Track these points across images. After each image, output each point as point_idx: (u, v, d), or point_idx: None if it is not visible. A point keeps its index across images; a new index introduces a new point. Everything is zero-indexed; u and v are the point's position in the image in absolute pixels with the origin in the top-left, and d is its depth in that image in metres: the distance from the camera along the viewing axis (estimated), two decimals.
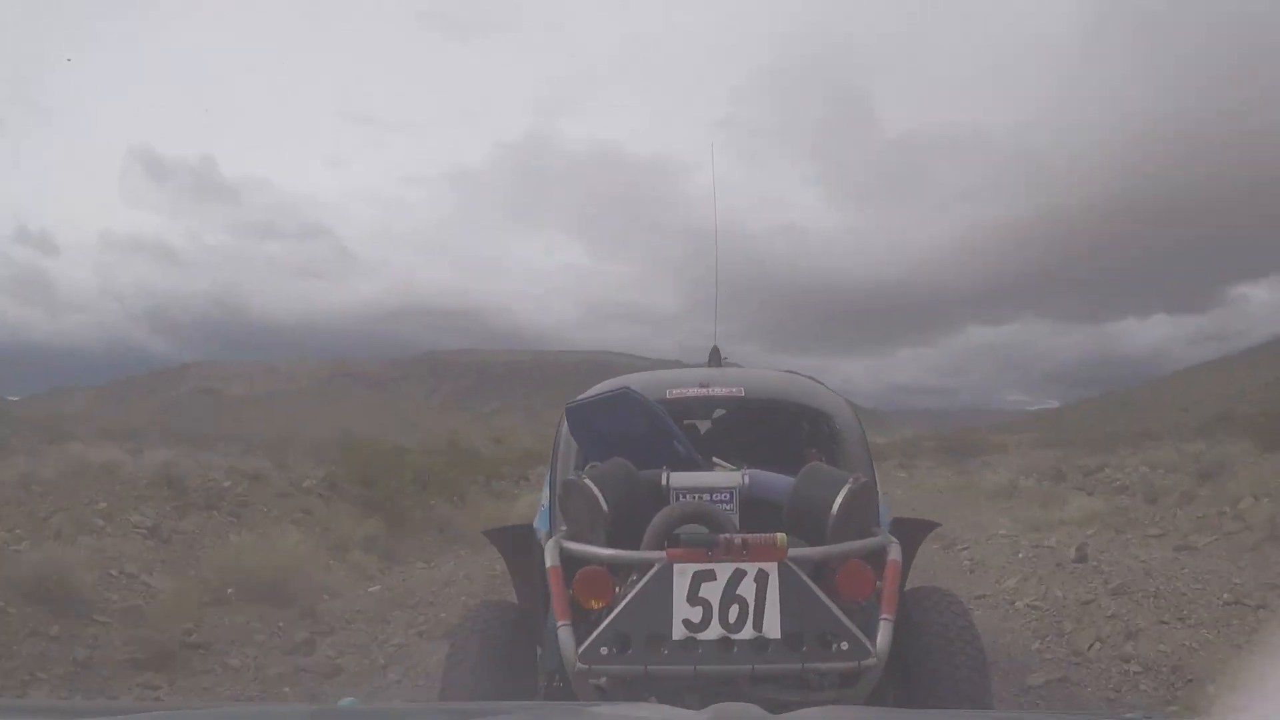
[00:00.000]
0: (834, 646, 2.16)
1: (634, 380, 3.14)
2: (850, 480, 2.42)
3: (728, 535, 2.26)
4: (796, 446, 3.23)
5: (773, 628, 2.15)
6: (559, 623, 2.22)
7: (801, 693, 2.26)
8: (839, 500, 2.35)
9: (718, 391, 3.21)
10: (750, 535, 2.26)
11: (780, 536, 2.24)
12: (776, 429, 3.42)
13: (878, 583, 2.30)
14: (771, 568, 2.19)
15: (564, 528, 2.55)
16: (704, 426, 3.73)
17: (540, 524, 3.06)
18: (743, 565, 2.19)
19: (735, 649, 2.15)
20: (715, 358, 3.66)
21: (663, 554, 2.24)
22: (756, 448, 3.16)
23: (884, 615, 2.23)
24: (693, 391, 3.19)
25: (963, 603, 2.70)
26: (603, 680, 2.22)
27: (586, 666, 2.16)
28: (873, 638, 2.19)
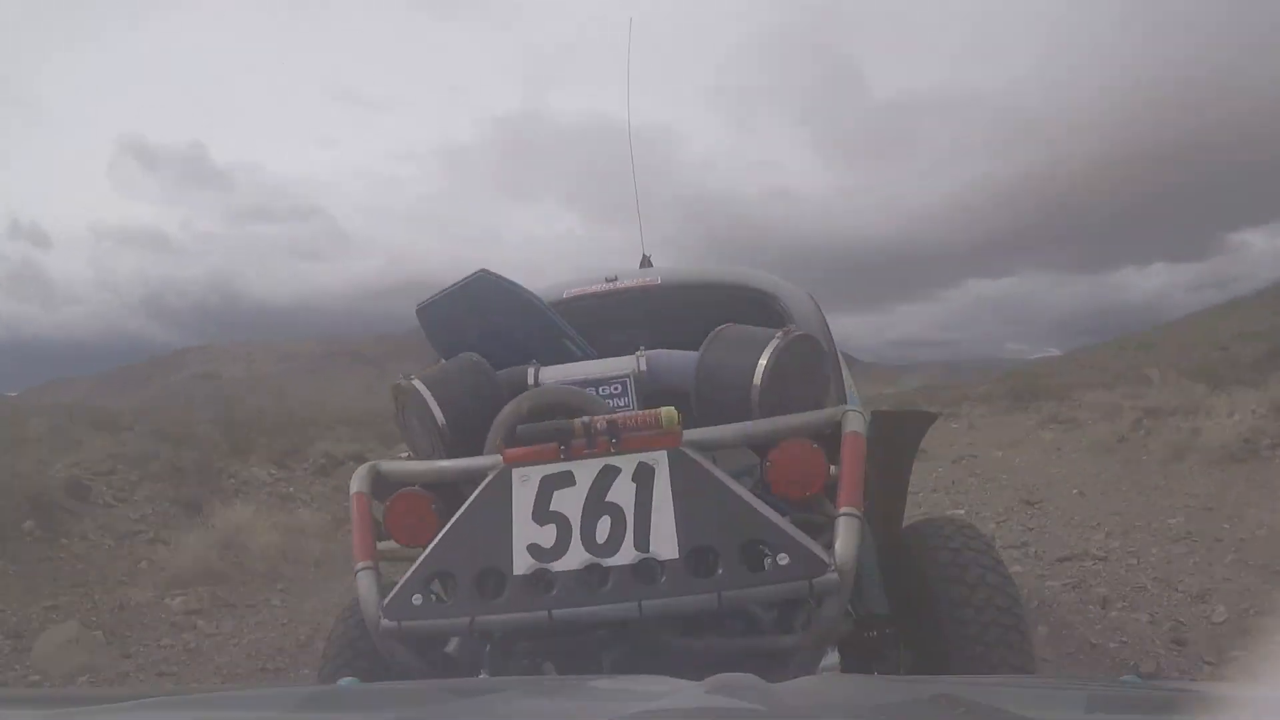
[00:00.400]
0: (769, 562, 1.39)
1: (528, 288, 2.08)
2: (778, 336, 1.60)
3: (587, 419, 1.47)
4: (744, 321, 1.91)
5: (666, 544, 1.38)
6: (357, 565, 1.55)
7: (741, 640, 1.46)
8: (764, 362, 1.55)
9: (628, 283, 2.42)
10: (621, 415, 1.48)
11: (667, 411, 1.45)
12: (713, 321, 1.90)
13: (833, 469, 1.50)
14: (659, 458, 1.42)
15: (411, 445, 1.82)
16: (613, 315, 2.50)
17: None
18: (614, 460, 1.43)
19: (610, 581, 1.39)
20: (645, 265, 2.98)
21: (497, 458, 1.51)
22: (681, 331, 1.98)
23: (844, 509, 1.43)
24: (595, 288, 2.41)
25: (986, 537, 1.98)
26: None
27: (394, 623, 1.46)
28: (830, 544, 1.41)
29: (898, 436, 2.18)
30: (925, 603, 1.84)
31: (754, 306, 2.31)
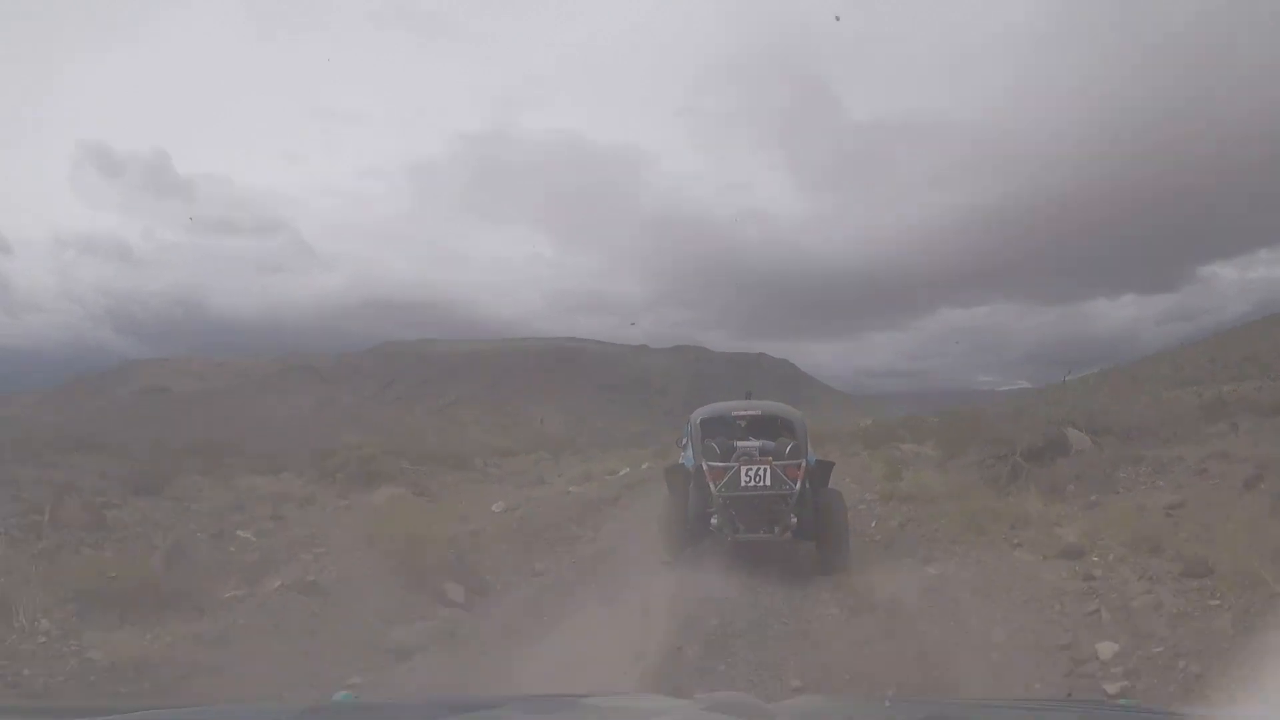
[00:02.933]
0: (784, 487, 7.43)
1: (721, 405, 8.68)
2: (790, 443, 7.92)
3: (757, 455, 7.77)
4: (782, 431, 8.42)
5: (767, 482, 7.40)
6: (710, 483, 7.50)
7: (780, 501, 7.49)
8: (787, 449, 7.81)
9: (750, 411, 8.62)
10: (762, 456, 7.72)
11: (770, 459, 7.64)
12: (773, 424, 8.59)
13: (800, 472, 7.60)
14: (767, 466, 7.46)
15: (704, 459, 7.66)
16: (749, 424, 8.65)
17: (686, 462, 8.38)
18: (761, 466, 7.47)
19: (759, 490, 7.42)
20: (748, 395, 9.72)
21: (735, 464, 7.50)
22: (766, 431, 8.49)
23: (799, 484, 7.52)
24: (740, 411, 8.58)
25: (839, 492, 8.28)
26: (729, 499, 7.45)
27: (718, 494, 7.40)
28: (795, 492, 7.49)
29: (823, 466, 8.44)
30: (822, 514, 7.62)
31: (784, 423, 8.45)
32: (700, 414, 8.37)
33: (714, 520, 7.47)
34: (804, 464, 7.59)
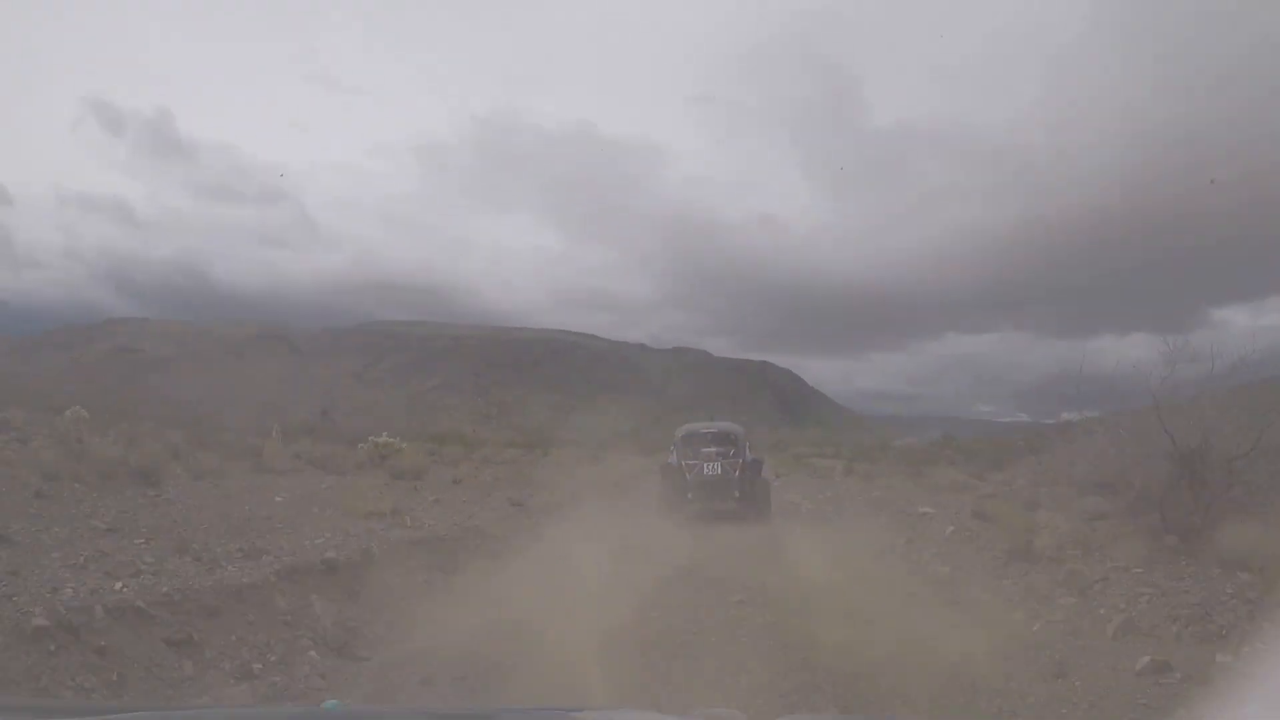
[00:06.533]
0: (729, 475, 15.09)
1: (694, 425, 16.65)
2: (732, 449, 15.48)
3: (714, 456, 15.47)
4: (730, 441, 15.78)
5: (719, 472, 15.07)
6: (686, 474, 15.13)
7: (727, 484, 15.25)
8: (730, 453, 15.37)
9: (712, 429, 16.30)
10: (717, 456, 15.36)
11: (720, 459, 15.33)
12: (726, 436, 15.88)
13: (742, 466, 15.40)
14: (719, 462, 15.12)
15: (682, 459, 15.46)
16: (710, 436, 15.98)
17: (672, 461, 15.77)
18: (715, 462, 15.12)
19: (714, 477, 15.09)
20: (710, 416, 22.20)
21: (700, 462, 15.21)
22: (721, 441, 15.75)
23: (738, 473, 15.15)
24: (705, 429, 16.23)
25: (767, 481, 16.24)
26: (697, 482, 15.12)
27: (691, 480, 15.11)
28: (736, 478, 15.19)
29: (756, 463, 16.13)
30: (752, 491, 15.33)
31: (733, 435, 16.20)
32: (681, 431, 15.91)
33: (689, 496, 14.59)
34: (742, 461, 14.93)
